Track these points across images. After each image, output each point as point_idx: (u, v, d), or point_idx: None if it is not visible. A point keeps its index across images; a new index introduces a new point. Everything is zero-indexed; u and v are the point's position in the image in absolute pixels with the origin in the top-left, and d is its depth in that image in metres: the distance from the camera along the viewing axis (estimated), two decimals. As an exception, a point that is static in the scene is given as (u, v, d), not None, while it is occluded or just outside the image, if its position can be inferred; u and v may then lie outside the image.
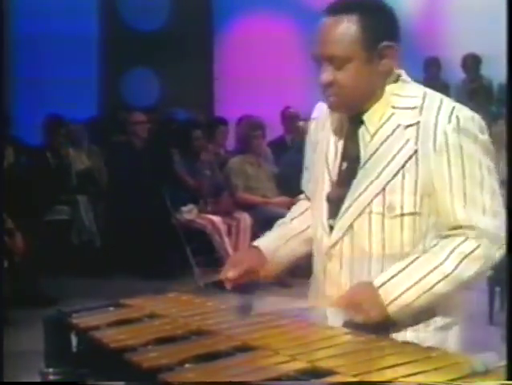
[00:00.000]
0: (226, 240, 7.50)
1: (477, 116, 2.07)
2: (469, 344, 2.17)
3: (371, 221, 2.08)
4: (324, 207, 2.18)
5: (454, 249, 2.02)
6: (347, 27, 2.03)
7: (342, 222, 2.12)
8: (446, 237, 2.05)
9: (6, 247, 6.21)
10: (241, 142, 8.21)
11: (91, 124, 9.10)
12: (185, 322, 2.13)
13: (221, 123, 9.11)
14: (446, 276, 2.01)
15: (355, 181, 2.11)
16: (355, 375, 1.63)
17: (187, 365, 1.78)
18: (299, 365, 1.72)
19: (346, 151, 2.17)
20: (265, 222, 7.83)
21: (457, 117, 2.02)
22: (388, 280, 2.02)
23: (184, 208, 7.74)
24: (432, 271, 2.01)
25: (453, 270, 2.01)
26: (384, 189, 2.06)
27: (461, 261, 2.01)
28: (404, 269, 2.03)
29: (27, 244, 6.47)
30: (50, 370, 2.09)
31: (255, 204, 7.89)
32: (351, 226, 2.10)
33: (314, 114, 2.33)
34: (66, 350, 2.18)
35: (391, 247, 2.08)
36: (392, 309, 2.01)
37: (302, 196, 2.44)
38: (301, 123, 8.56)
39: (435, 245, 2.05)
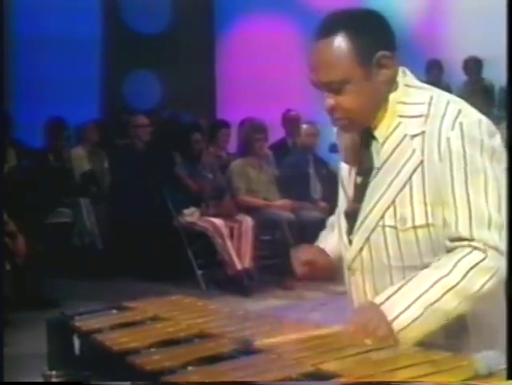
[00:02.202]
0: (228, 242, 7.49)
1: (484, 120, 1.99)
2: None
3: (385, 235, 2.03)
4: (343, 223, 2.16)
5: (459, 260, 1.93)
6: (337, 49, 1.95)
7: (358, 236, 2.09)
8: (451, 249, 1.97)
9: (8, 249, 6.21)
10: (243, 145, 8.20)
11: (94, 127, 9.10)
12: (188, 325, 2.13)
13: (223, 125, 9.10)
14: (451, 288, 1.91)
15: (367, 194, 2.06)
16: (358, 378, 1.63)
17: (190, 367, 1.78)
18: (303, 368, 1.72)
19: (360, 166, 2.12)
20: (266, 225, 7.87)
21: (461, 123, 1.95)
22: (389, 297, 1.95)
23: (186, 211, 7.74)
24: (435, 284, 1.91)
25: (459, 282, 1.91)
26: (394, 202, 2.01)
27: (467, 273, 1.91)
28: (404, 285, 1.96)
29: (29, 246, 6.47)
30: (53, 372, 2.09)
31: (257, 207, 7.89)
32: (367, 240, 2.07)
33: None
34: (69, 352, 2.18)
35: (409, 259, 2.03)
36: (398, 326, 1.91)
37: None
38: (304, 126, 8.57)
39: (438, 260, 1.97)
